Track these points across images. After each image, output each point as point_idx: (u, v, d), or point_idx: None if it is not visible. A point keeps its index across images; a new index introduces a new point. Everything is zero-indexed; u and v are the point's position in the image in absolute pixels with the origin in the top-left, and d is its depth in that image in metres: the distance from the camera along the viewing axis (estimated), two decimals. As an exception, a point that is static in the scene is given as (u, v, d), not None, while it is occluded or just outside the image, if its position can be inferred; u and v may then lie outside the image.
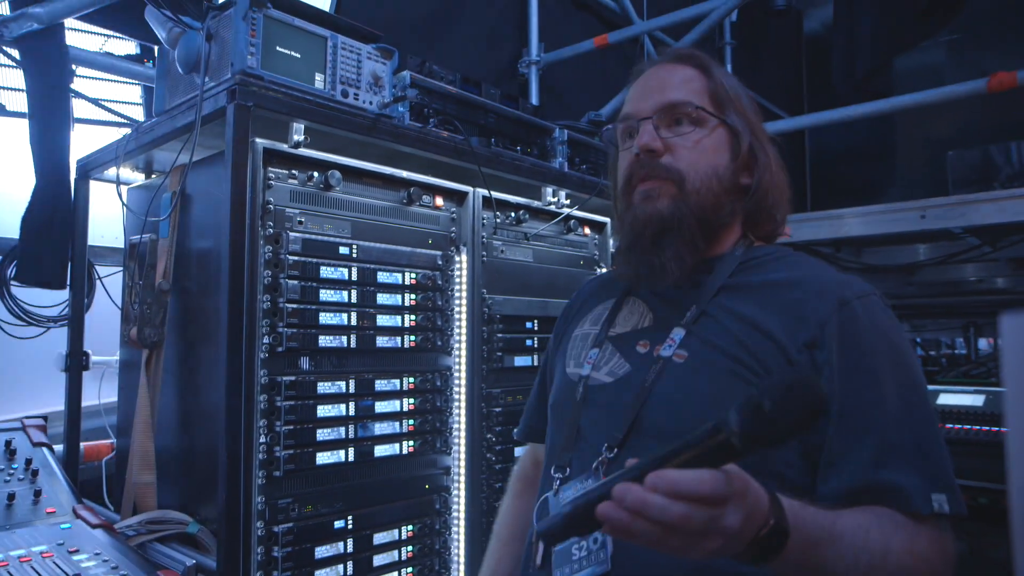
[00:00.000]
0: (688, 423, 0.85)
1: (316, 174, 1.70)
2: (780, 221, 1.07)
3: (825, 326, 0.89)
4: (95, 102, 2.32)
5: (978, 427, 2.66)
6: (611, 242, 2.52)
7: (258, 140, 1.58)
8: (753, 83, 1.19)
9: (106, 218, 2.39)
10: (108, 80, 2.49)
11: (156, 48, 1.91)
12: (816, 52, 5.85)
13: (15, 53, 2.11)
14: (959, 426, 2.69)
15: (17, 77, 2.21)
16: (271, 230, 1.62)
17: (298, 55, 1.62)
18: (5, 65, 2.20)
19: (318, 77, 1.66)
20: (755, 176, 1.02)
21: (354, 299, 1.77)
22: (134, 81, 2.55)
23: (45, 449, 1.69)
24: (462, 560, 1.96)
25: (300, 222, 1.68)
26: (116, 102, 2.45)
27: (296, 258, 1.66)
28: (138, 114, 2.54)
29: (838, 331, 0.89)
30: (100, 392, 2.23)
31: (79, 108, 2.26)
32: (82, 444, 2.15)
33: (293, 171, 1.67)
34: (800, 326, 0.90)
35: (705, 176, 0.99)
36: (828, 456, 0.88)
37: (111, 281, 2.31)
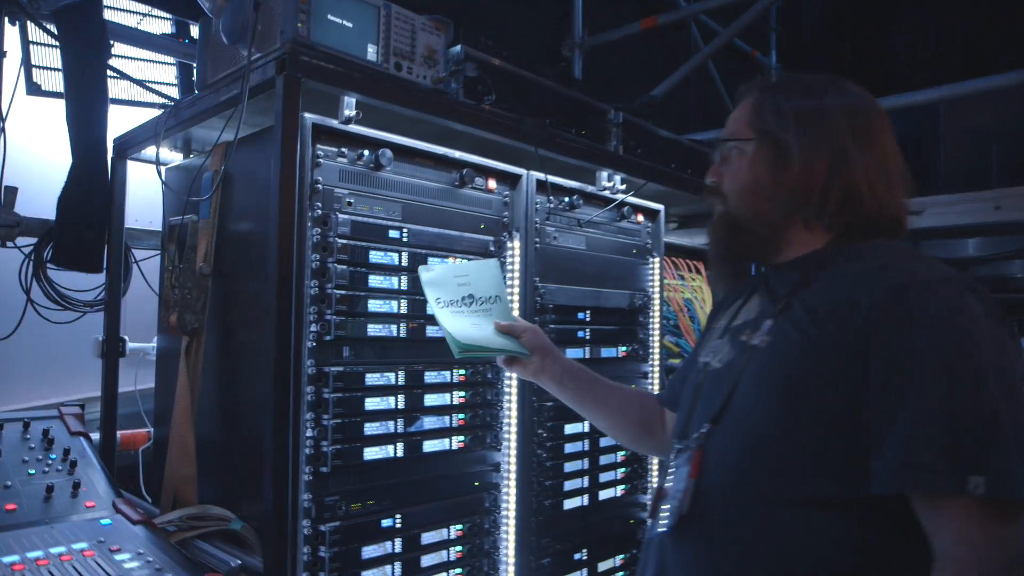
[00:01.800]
0: (764, 400, 1.01)
1: (366, 152, 1.60)
2: (877, 218, 1.08)
3: (871, 312, 0.94)
4: (133, 80, 2.25)
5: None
6: (663, 230, 2.41)
7: (307, 115, 1.49)
8: (798, 70, 1.25)
9: (140, 200, 2.32)
10: (142, 60, 2.42)
11: (197, 22, 1.82)
12: (860, 39, 5.65)
13: (53, 29, 2.04)
14: None
15: (53, 56, 2.14)
16: (319, 211, 1.53)
17: (350, 24, 1.52)
18: (41, 43, 2.14)
19: (371, 48, 1.56)
20: (811, 182, 1.08)
21: (404, 286, 1.68)
22: (169, 60, 2.48)
23: (83, 438, 1.62)
24: (511, 561, 1.86)
25: (349, 203, 1.58)
26: (150, 82, 2.38)
27: (345, 241, 1.57)
28: (173, 95, 2.46)
29: (884, 316, 0.93)
30: (136, 380, 2.17)
31: (113, 89, 2.19)
32: (118, 432, 2.09)
33: (343, 149, 1.57)
34: (853, 313, 0.95)
35: (738, 194, 1.14)
36: (873, 440, 0.92)
37: (146, 265, 2.25)
